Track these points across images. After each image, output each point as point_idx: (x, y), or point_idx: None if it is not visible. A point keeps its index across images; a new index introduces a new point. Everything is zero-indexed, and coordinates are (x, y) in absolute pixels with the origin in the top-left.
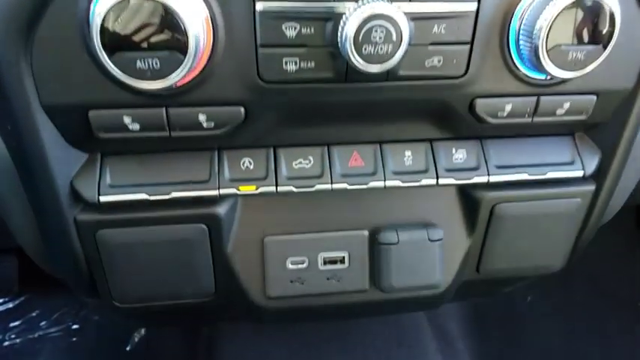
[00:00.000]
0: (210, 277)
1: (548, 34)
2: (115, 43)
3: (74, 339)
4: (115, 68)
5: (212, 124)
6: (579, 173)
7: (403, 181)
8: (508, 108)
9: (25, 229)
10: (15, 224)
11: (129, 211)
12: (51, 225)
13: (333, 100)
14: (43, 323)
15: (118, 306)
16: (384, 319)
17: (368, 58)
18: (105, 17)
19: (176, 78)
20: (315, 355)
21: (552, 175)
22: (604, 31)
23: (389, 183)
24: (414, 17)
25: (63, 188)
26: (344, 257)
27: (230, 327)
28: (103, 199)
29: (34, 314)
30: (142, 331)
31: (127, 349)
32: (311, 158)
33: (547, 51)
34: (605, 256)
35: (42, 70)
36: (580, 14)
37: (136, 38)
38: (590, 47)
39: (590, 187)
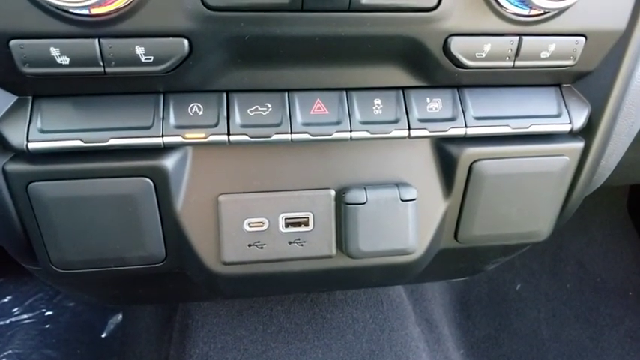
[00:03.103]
0: (159, 239)
1: None
2: None
3: (47, 325)
4: None
5: (151, 59)
6: (566, 127)
7: (371, 132)
8: (487, 48)
9: None
10: None
11: (64, 162)
12: None
13: (289, 32)
14: (15, 309)
15: (58, 272)
16: (364, 303)
17: None
18: None
19: None
20: (291, 339)
21: (536, 128)
22: None
23: (356, 134)
24: None
25: None
26: (307, 219)
27: (204, 312)
28: (32, 145)
29: (6, 300)
30: (118, 317)
31: (103, 335)
32: (268, 105)
33: None
34: (595, 243)
35: None
36: None
37: None
38: None
39: (579, 145)
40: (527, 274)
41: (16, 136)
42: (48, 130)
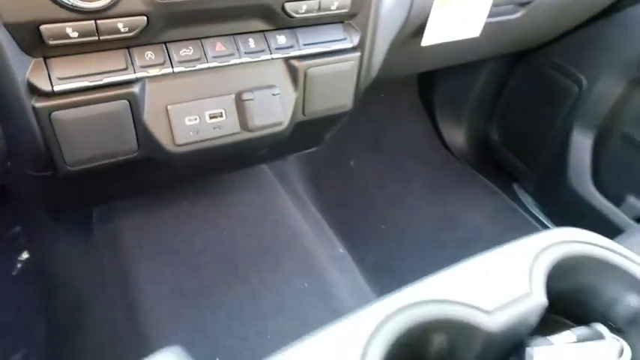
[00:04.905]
0: (133, 137)
1: None
2: None
3: None
4: None
5: (127, 29)
6: (350, 45)
7: (251, 58)
8: (304, 7)
9: None
10: None
11: (74, 96)
12: (14, 115)
13: (208, 6)
14: None
15: (71, 170)
16: (246, 186)
17: None
18: None
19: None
20: (201, 218)
21: (334, 46)
22: None
23: (242, 60)
24: None
25: (22, 84)
26: (222, 112)
27: (123, 214)
28: (56, 88)
29: None
30: (23, 255)
31: (13, 274)
32: (191, 48)
33: None
34: (400, 125)
35: None
36: None
37: None
38: None
39: (357, 54)
40: (356, 153)
41: (43, 83)
42: (63, 77)
